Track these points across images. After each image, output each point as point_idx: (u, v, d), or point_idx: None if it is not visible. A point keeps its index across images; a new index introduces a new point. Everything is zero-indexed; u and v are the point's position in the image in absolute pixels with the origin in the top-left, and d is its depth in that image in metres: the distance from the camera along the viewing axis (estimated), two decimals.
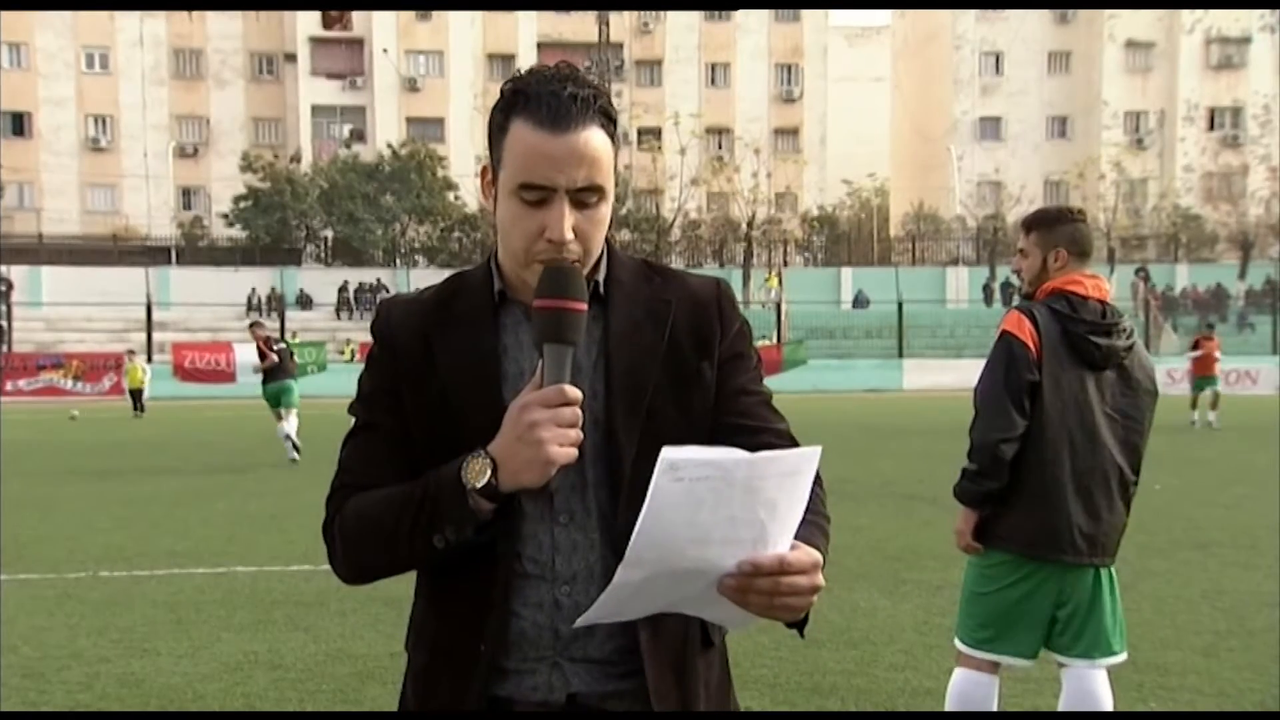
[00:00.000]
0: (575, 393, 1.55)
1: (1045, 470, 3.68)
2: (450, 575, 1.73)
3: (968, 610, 3.92)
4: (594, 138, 1.64)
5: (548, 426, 1.53)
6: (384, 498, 1.69)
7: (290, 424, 16.09)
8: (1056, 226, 3.84)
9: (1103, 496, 3.73)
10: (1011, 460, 3.70)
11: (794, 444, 1.75)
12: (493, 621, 1.69)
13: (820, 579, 1.50)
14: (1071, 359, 3.70)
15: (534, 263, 1.65)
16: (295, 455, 15.70)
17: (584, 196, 1.64)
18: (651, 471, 1.40)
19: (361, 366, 1.86)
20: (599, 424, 1.69)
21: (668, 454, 1.38)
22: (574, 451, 1.56)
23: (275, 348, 16.88)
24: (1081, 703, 3.81)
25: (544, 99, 1.63)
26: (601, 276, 1.76)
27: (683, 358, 1.75)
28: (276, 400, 16.47)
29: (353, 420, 1.81)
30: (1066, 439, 3.69)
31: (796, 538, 1.50)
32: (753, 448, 1.54)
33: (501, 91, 1.69)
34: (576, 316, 1.59)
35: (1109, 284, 3.95)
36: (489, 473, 1.57)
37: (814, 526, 1.60)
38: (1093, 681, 3.81)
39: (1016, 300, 4.79)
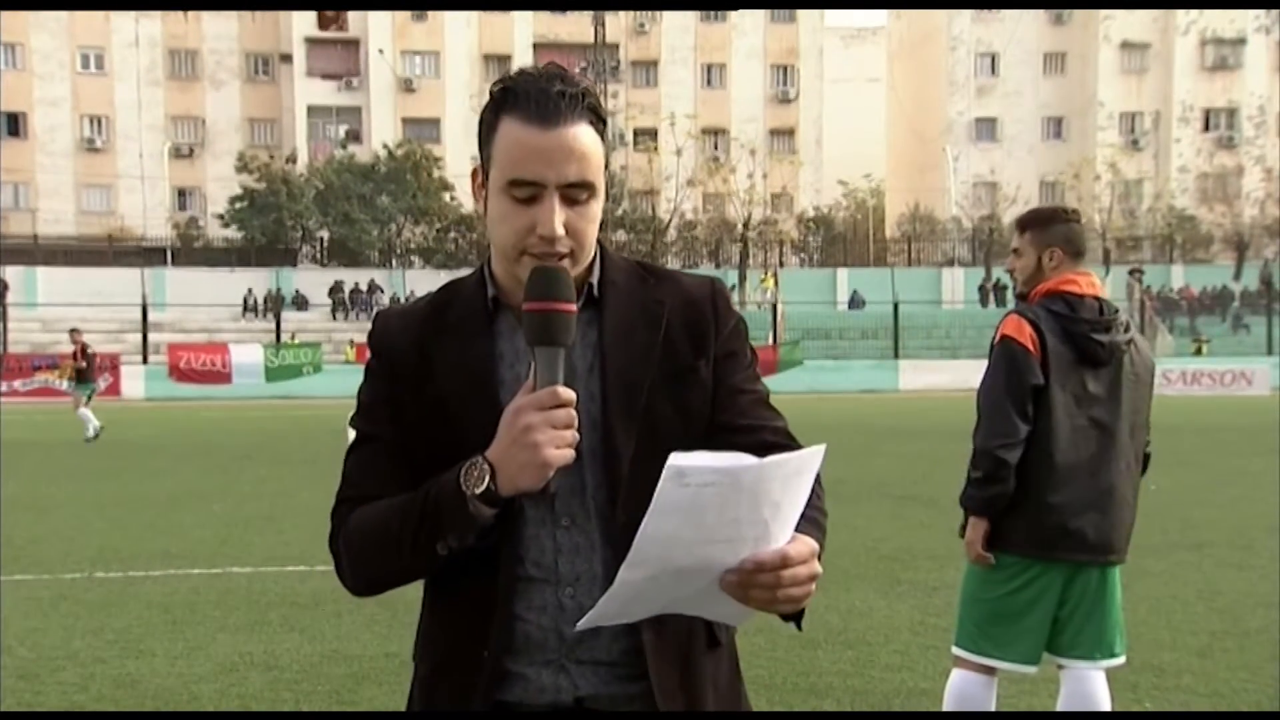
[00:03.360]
0: (569, 394, 1.55)
1: (1055, 472, 3.67)
2: (453, 582, 1.73)
3: (968, 614, 3.88)
4: (583, 134, 1.64)
5: (542, 429, 1.54)
6: (385, 509, 1.70)
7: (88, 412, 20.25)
8: (1052, 226, 3.83)
9: (1114, 493, 3.73)
10: (1019, 464, 3.68)
11: (793, 440, 1.77)
12: (496, 625, 1.69)
13: (818, 566, 1.52)
14: (1075, 359, 3.69)
15: (525, 256, 1.65)
16: (91, 433, 19.36)
17: (574, 193, 1.64)
18: (650, 472, 1.41)
19: (360, 367, 1.87)
20: (596, 426, 1.70)
21: (675, 461, 1.38)
22: (570, 453, 1.56)
23: (88, 353, 20.93)
24: (1079, 704, 3.79)
25: (533, 96, 1.63)
26: (595, 279, 1.76)
27: (678, 356, 1.75)
28: (90, 395, 20.74)
29: (353, 434, 1.82)
30: (1076, 439, 3.68)
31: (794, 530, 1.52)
32: (751, 446, 1.56)
33: (491, 92, 1.69)
34: (566, 318, 1.58)
35: (1104, 284, 3.95)
36: (487, 478, 1.57)
37: (810, 522, 1.61)
38: (1091, 683, 3.79)
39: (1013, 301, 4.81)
